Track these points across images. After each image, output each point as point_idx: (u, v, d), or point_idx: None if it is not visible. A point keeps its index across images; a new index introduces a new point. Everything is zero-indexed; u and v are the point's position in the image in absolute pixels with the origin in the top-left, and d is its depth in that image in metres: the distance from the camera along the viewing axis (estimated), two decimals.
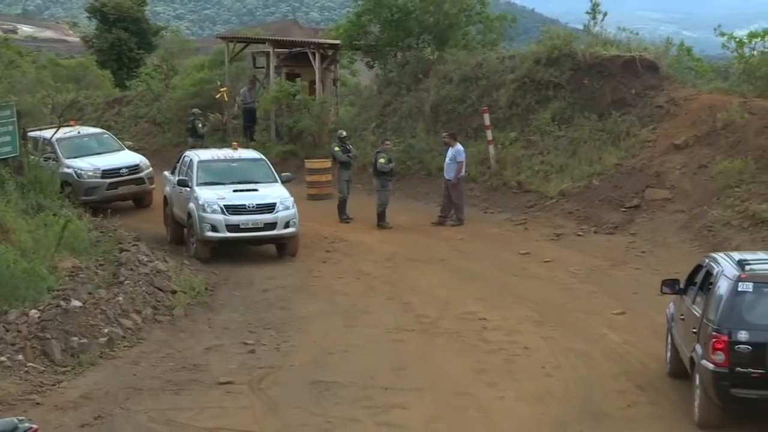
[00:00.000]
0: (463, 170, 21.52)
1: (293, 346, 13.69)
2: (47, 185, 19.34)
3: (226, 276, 17.70)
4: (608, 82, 23.55)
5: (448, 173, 21.49)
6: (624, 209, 20.46)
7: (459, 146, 21.62)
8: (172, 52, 36.72)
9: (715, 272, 10.93)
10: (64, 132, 23.69)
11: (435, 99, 25.95)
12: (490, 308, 15.31)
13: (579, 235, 20.00)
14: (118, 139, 25.75)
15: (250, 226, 18.76)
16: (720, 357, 10.16)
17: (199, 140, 27.55)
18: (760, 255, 11.56)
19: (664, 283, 12.15)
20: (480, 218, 21.95)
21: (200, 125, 27.89)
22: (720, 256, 11.37)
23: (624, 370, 12.49)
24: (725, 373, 10.16)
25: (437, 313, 15.14)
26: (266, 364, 12.86)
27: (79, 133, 24.54)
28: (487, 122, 23.66)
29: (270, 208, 18.84)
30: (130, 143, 27.18)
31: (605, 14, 25.17)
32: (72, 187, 22.17)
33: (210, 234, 18.67)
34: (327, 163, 24.31)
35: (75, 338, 12.99)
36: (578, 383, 12.04)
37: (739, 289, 10.28)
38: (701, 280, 11.38)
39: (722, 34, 23.08)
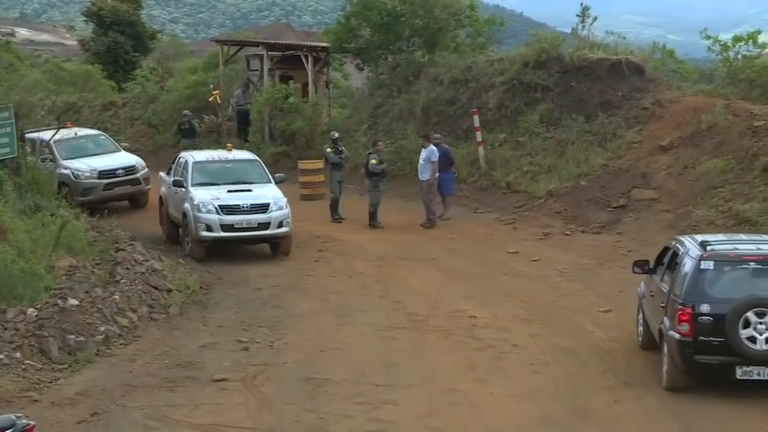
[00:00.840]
0: (436, 172, 21.55)
1: (286, 344, 13.79)
2: (45, 186, 19.39)
3: (220, 275, 17.83)
4: (595, 84, 23.78)
5: (423, 174, 21.58)
6: (611, 209, 20.66)
7: (432, 147, 21.62)
8: (167, 55, 36.87)
9: (680, 253, 12.03)
10: (61, 133, 23.85)
11: (425, 101, 26.11)
12: (479, 306, 15.43)
13: (566, 234, 20.19)
14: (114, 140, 25.94)
15: (244, 225, 18.94)
16: (685, 327, 11.24)
17: (195, 140, 27.76)
18: (720, 237, 12.71)
19: (636, 263, 13.25)
20: (470, 218, 22.12)
21: (196, 124, 28.19)
22: (685, 239, 12.50)
23: (610, 366, 12.61)
24: (690, 341, 11.22)
25: (428, 311, 15.26)
26: (260, 362, 12.94)
27: (75, 134, 24.67)
28: (477, 124, 23.87)
29: (264, 208, 19.02)
30: (126, 144, 27.38)
31: (595, 18, 25.40)
32: (69, 187, 22.34)
33: (205, 233, 18.85)
34: (320, 164, 24.44)
35: (72, 336, 13.05)
36: (566, 379, 12.15)
37: (702, 267, 11.37)
38: (668, 260, 12.44)
39: (708, 38, 23.33)
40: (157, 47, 39.58)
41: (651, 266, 13.03)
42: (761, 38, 23.41)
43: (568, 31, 27.15)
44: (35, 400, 11.49)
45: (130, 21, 39.52)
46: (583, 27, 25.51)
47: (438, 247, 19.73)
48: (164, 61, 36.26)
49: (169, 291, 15.89)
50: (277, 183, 20.02)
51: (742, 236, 13.58)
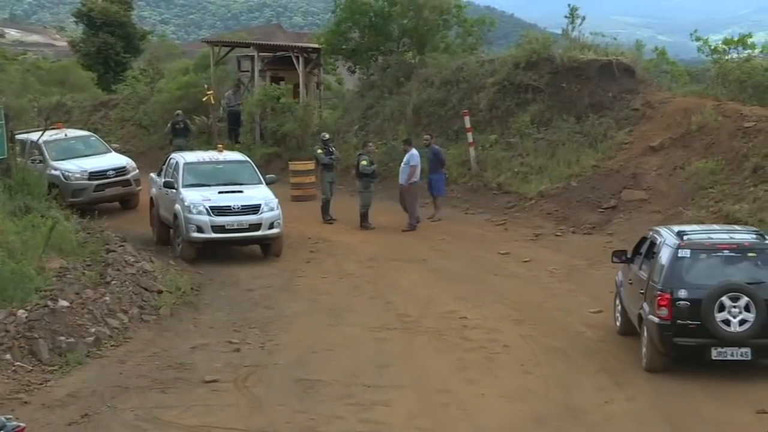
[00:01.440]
0: (417, 175, 21.48)
1: (278, 345, 13.81)
2: (35, 187, 19.41)
3: (211, 276, 17.84)
4: (586, 85, 23.86)
5: (402, 178, 21.53)
6: (601, 210, 20.73)
7: (414, 151, 21.59)
8: (158, 56, 36.84)
9: (658, 242, 12.82)
10: (51, 134, 23.82)
11: (417, 102, 26.16)
12: (470, 307, 15.47)
13: (557, 235, 20.24)
14: (104, 141, 25.92)
15: (235, 227, 18.95)
16: (664, 312, 12.01)
17: (189, 140, 27.78)
18: (695, 227, 13.54)
19: (614, 253, 14.10)
20: (461, 219, 22.17)
21: (190, 123, 28.26)
22: (662, 229, 13.33)
23: (601, 367, 12.66)
24: (668, 325, 12.00)
25: (419, 312, 15.29)
26: (251, 363, 12.96)
27: (66, 135, 24.68)
28: (468, 125, 23.92)
29: (255, 209, 19.04)
30: (117, 145, 27.37)
31: (583, 18, 25.47)
32: (59, 188, 22.33)
33: (195, 235, 18.85)
34: (311, 165, 24.48)
35: (62, 338, 13.05)
36: (557, 380, 12.19)
37: (679, 255, 12.17)
38: (646, 250, 13.20)
39: (698, 39, 23.44)
40: (148, 48, 39.50)
41: (629, 256, 13.78)
42: (752, 40, 23.53)
43: (559, 32, 27.21)
44: (25, 402, 11.48)
45: (121, 22, 39.45)
46: (573, 28, 25.60)
47: (429, 248, 19.77)
48: (155, 62, 36.23)
49: (160, 292, 15.89)
50: (268, 184, 20.04)
51: (715, 226, 14.39)
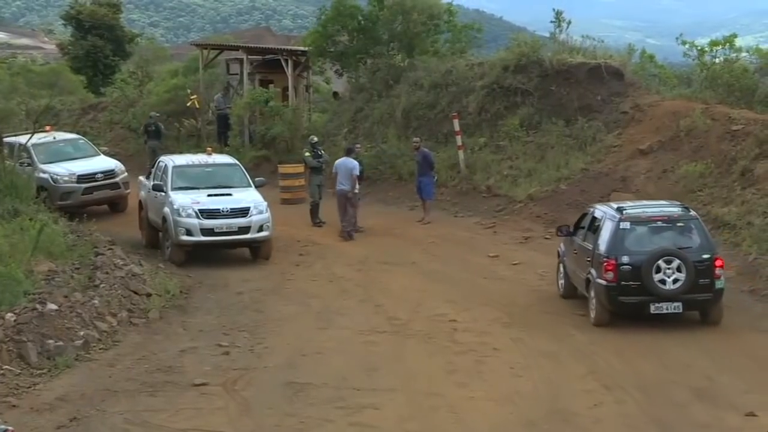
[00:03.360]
0: (339, 184, 20.88)
1: (267, 348, 13.80)
2: (23, 190, 19.37)
3: (200, 279, 17.82)
4: (575, 88, 23.89)
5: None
6: None
7: (340, 160, 21.30)
8: (147, 59, 36.79)
9: (600, 217, 14.88)
10: (40, 137, 23.74)
11: (406, 105, 26.15)
12: (460, 310, 15.50)
13: (547, 238, 20.13)
14: (93, 144, 25.86)
15: (225, 230, 18.94)
16: (610, 275, 14.12)
17: (162, 142, 27.77)
18: (629, 203, 15.64)
19: (559, 228, 16.30)
20: (450, 222, 22.17)
21: (162, 126, 28.21)
22: (600, 206, 15.55)
23: (591, 370, 12.69)
24: (614, 286, 14.12)
25: (409, 315, 15.30)
26: (240, 366, 12.95)
27: (54, 138, 24.62)
28: (457, 128, 23.93)
29: (244, 212, 19.03)
30: (106, 148, 27.33)
31: (569, 22, 25.48)
32: (48, 191, 22.25)
33: (185, 238, 18.83)
34: (300, 168, 24.45)
35: (51, 341, 12.99)
36: (546, 383, 12.22)
37: (621, 227, 14.29)
38: (588, 224, 15.26)
39: (684, 42, 23.52)
40: (137, 51, 39.42)
41: (571, 230, 15.83)
42: (737, 42, 23.61)
43: (548, 35, 27.25)
44: (14, 406, 11.44)
45: (110, 25, 39.32)
46: (560, 31, 25.62)
47: (418, 250, 19.77)
48: (144, 65, 36.17)
49: (149, 295, 15.85)
50: (257, 187, 20.03)
51: (646, 202, 16.39)
